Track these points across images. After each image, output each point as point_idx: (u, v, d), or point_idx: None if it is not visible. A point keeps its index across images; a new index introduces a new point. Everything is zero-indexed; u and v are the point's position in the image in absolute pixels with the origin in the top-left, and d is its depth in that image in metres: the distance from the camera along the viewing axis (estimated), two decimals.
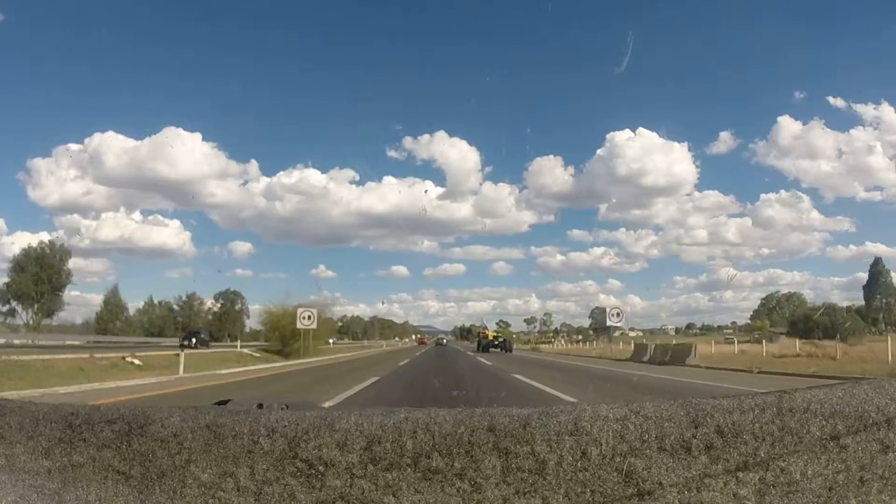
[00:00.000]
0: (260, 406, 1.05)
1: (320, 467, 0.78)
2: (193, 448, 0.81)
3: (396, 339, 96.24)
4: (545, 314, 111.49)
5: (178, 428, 0.83)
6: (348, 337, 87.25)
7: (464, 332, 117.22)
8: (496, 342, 44.35)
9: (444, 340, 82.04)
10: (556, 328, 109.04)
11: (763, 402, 0.77)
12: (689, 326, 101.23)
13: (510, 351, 42.55)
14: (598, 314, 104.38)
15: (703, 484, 0.74)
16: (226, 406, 1.04)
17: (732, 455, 0.75)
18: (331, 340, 49.26)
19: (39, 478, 0.83)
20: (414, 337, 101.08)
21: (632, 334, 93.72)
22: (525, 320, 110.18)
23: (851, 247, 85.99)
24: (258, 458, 0.80)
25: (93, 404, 0.93)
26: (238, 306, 71.31)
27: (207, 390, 11.16)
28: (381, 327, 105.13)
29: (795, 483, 0.74)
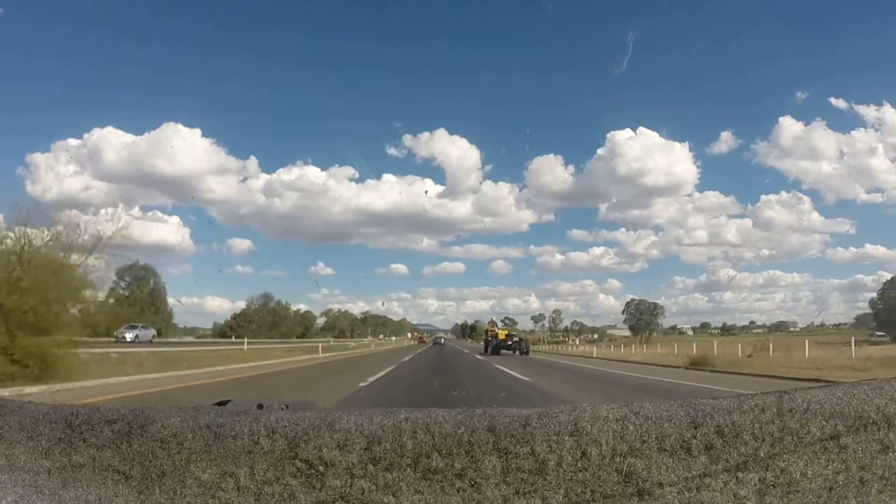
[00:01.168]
0: (260, 406, 1.05)
1: (320, 467, 0.78)
2: (193, 448, 0.81)
3: (381, 336, 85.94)
4: (554, 311, 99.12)
5: (178, 428, 0.83)
6: (332, 334, 78.84)
7: (465, 330, 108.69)
8: (509, 342, 35.68)
9: (443, 339, 78.54)
10: (567, 326, 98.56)
11: (763, 402, 0.77)
12: (704, 326, 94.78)
13: (527, 353, 34.35)
14: (635, 310, 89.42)
15: (703, 484, 0.74)
16: (226, 406, 1.04)
17: (732, 455, 0.75)
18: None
19: (39, 478, 0.83)
20: (410, 335, 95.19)
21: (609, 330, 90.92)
22: (532, 318, 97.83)
23: (851, 249, 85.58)
24: (258, 458, 0.80)
25: (93, 404, 0.93)
26: (149, 289, 48.81)
27: None
28: (375, 324, 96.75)
29: (795, 483, 0.74)
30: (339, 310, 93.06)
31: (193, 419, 0.84)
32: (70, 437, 0.85)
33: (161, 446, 0.82)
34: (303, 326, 73.28)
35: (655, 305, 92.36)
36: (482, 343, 42.06)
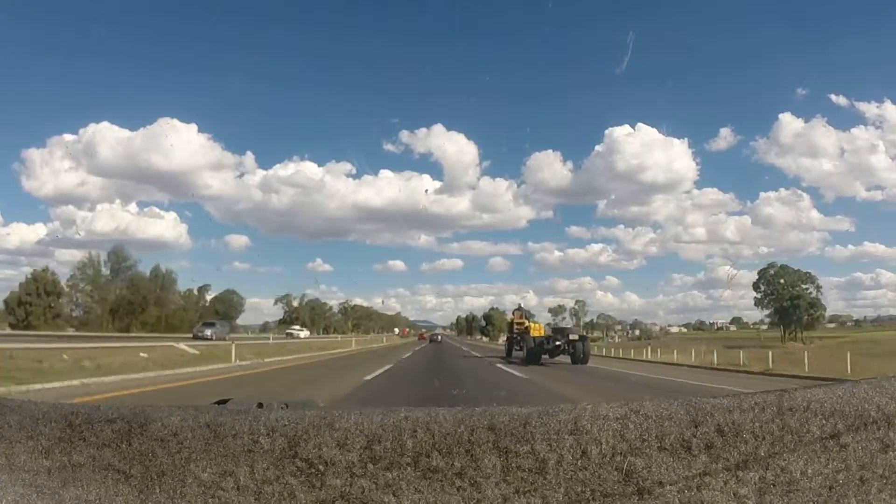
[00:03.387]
0: (260, 405, 1.05)
1: (320, 466, 0.78)
2: (193, 447, 0.81)
3: (300, 332, 57.55)
4: (577, 302, 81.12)
5: (178, 427, 0.83)
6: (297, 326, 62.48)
7: (470, 324, 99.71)
8: (558, 341, 20.77)
9: (440, 336, 71.17)
10: (592, 320, 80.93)
11: (763, 401, 0.77)
12: (735, 321, 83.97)
13: (585, 360, 20.22)
14: (771, 281, 49.76)
15: (704, 483, 0.74)
16: (226, 405, 1.04)
17: (732, 454, 0.75)
18: None
19: (39, 477, 0.83)
20: (399, 332, 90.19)
21: (674, 330, 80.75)
22: (550, 310, 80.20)
23: (850, 247, 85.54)
24: (258, 457, 0.80)
25: (93, 403, 0.93)
26: None
27: None
28: (358, 317, 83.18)
29: (795, 482, 0.74)
30: (304, 297, 73.15)
31: (193, 418, 0.84)
32: (70, 437, 0.85)
33: (161, 445, 0.82)
34: (203, 312, 43.83)
35: (809, 275, 53.63)
36: (504, 343, 26.89)
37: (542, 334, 21.78)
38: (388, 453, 0.78)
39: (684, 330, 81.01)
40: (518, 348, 22.94)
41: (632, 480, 0.75)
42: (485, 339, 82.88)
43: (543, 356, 20.78)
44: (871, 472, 0.74)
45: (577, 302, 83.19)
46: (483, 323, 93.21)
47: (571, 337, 20.84)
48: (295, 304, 75.28)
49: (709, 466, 0.75)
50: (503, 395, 10.93)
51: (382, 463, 0.78)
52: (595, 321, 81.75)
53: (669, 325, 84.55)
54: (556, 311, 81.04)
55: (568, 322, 67.28)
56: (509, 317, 28.12)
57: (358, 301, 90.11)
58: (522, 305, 27.06)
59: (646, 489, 0.75)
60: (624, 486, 0.75)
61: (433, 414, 0.80)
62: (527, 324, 23.71)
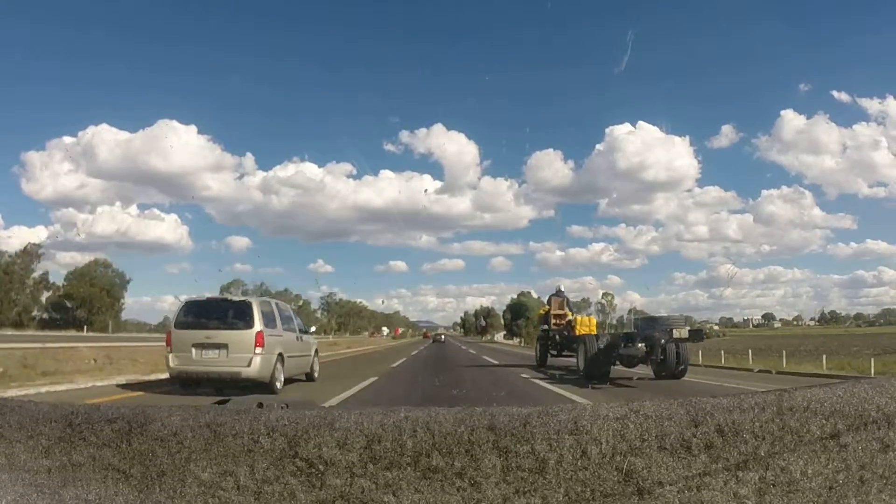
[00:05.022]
0: (260, 405, 1.05)
1: (320, 466, 0.78)
2: (193, 447, 0.82)
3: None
4: (605, 294, 66.16)
5: (178, 427, 0.83)
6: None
7: (478, 321, 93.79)
8: (641, 342, 10.45)
9: (443, 337, 67.90)
10: (622, 317, 63.38)
11: (763, 400, 0.77)
12: (768, 317, 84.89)
13: (682, 373, 10.77)
14: None
15: (703, 483, 0.74)
16: (226, 405, 1.04)
17: (732, 454, 0.75)
18: None
19: (39, 477, 0.83)
20: (386, 331, 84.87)
21: (707, 325, 72.43)
22: (574, 305, 61.57)
23: (852, 244, 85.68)
24: (258, 456, 0.80)
25: (93, 403, 0.93)
26: None
27: None
28: (344, 314, 74.22)
29: (795, 482, 0.74)
30: (262, 286, 50.08)
31: (193, 418, 0.84)
32: (70, 436, 0.85)
33: (161, 445, 0.82)
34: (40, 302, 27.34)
35: None
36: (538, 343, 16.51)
37: (593, 332, 12.69)
38: (388, 453, 0.78)
39: (715, 326, 78.02)
40: (555, 353, 14.59)
41: (632, 480, 0.75)
42: (512, 339, 62.42)
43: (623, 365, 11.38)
44: (871, 472, 0.74)
45: (604, 295, 65.15)
46: (508, 316, 68.20)
47: (677, 334, 10.66)
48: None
49: (709, 466, 0.75)
50: None
51: (382, 463, 0.78)
52: (625, 318, 59.29)
53: (707, 323, 74.77)
54: (580, 306, 60.05)
55: (592, 313, 45.20)
56: (543, 307, 17.20)
57: (360, 301, 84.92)
58: (562, 289, 16.43)
59: (646, 489, 0.75)
60: (624, 486, 0.75)
61: (433, 414, 0.80)
62: (570, 316, 14.72)
